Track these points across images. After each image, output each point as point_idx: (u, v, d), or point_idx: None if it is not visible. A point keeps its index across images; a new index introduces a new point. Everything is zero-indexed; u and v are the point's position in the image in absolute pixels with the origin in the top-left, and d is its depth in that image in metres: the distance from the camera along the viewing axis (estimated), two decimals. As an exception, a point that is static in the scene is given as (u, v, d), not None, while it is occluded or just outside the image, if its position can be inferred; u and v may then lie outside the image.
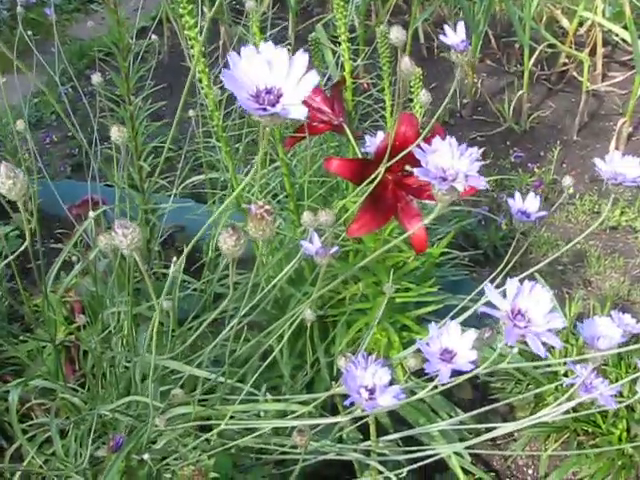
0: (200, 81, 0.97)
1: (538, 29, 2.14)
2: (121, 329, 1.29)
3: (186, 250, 0.67)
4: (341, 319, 1.14)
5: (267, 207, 0.52)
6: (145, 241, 1.57)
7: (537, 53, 2.20)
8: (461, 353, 0.61)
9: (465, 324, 1.21)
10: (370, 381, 0.63)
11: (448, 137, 0.51)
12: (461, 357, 0.61)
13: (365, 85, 1.14)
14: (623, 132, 2.07)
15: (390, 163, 0.74)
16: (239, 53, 0.43)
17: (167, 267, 1.62)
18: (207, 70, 0.96)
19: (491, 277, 0.81)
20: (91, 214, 0.96)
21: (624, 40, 2.43)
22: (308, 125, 0.99)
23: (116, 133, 0.71)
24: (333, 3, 0.92)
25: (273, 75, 0.43)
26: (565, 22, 2.33)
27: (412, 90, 1.06)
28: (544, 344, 0.54)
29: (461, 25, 0.66)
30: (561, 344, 0.54)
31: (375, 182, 0.76)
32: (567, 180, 0.76)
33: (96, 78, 1.01)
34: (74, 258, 1.31)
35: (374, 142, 0.84)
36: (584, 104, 2.16)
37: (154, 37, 1.73)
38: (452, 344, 0.62)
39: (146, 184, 1.49)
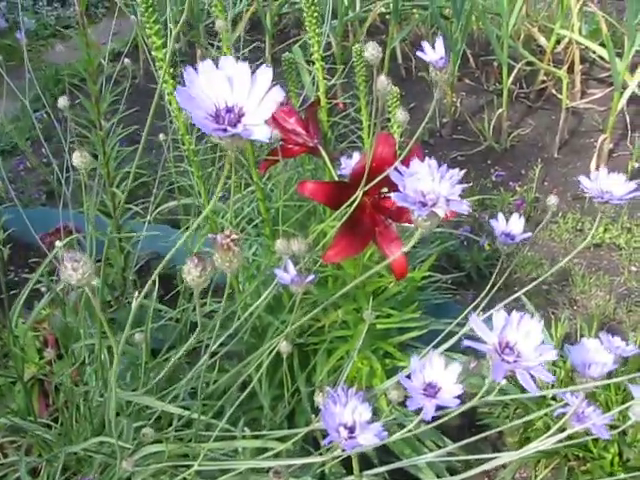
0: (170, 103, 0.94)
1: (516, 47, 2.13)
2: (94, 361, 1.25)
3: (154, 274, 0.63)
4: (322, 347, 1.10)
5: (234, 236, 0.49)
6: (120, 270, 1.52)
7: (516, 71, 2.19)
8: (446, 387, 0.57)
9: (451, 350, 1.17)
10: (350, 418, 0.59)
11: (427, 159, 0.47)
12: (446, 392, 0.57)
13: (341, 105, 1.11)
14: (604, 148, 2.06)
15: (367, 186, 0.71)
16: (196, 69, 0.40)
17: (145, 296, 1.57)
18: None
19: (475, 302, 0.77)
20: (58, 243, 0.92)
21: (601, 57, 2.43)
22: (282, 148, 0.96)
23: (78, 159, 0.67)
24: (305, 21, 0.89)
25: (234, 92, 0.39)
26: (542, 40, 2.32)
27: (390, 110, 1.03)
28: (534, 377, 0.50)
29: (440, 41, 0.63)
30: (553, 378, 0.50)
31: (352, 206, 0.73)
32: (552, 199, 0.73)
33: (62, 102, 0.97)
34: (44, 288, 1.26)
35: (349, 164, 0.81)
36: (564, 121, 2.15)
37: (127, 61, 1.70)
38: (436, 377, 0.58)
39: (118, 211, 1.45)
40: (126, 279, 1.49)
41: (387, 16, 2.66)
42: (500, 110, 2.16)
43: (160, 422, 1.11)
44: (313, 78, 2.12)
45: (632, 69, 2.02)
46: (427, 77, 2.31)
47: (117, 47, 2.82)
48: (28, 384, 1.36)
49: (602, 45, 2.31)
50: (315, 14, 0.87)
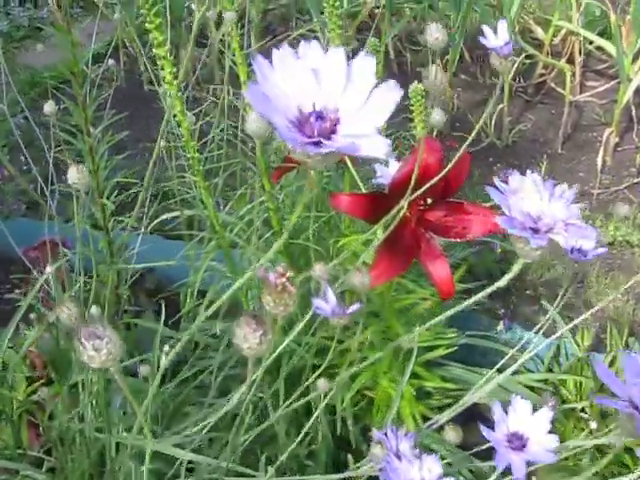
0: (172, 107, 0.84)
1: (516, 40, 2.04)
2: (90, 391, 1.14)
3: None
4: (343, 370, 1.01)
5: (290, 273, 0.39)
6: (112, 286, 1.42)
7: (516, 65, 2.11)
8: (535, 438, 0.48)
9: (482, 365, 1.07)
10: (418, 475, 0.50)
11: (530, 173, 0.38)
12: (536, 443, 0.48)
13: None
14: (610, 143, 1.98)
15: (412, 197, 0.62)
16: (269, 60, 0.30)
17: (138, 314, 1.47)
18: (180, 94, 0.82)
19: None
20: (48, 269, 0.82)
21: (598, 48, 2.36)
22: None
23: (75, 175, 0.57)
24: (326, 12, 0.79)
25: (324, 90, 0.30)
26: (540, 32, 2.24)
27: (413, 108, 0.94)
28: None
29: (503, 25, 0.54)
30: None
31: (393, 220, 0.64)
32: (622, 209, 0.64)
33: (49, 107, 0.86)
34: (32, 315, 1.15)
35: (387, 172, 0.72)
36: (567, 115, 2.07)
37: (111, 62, 1.59)
38: (522, 426, 0.49)
39: (110, 223, 1.34)
40: (120, 297, 1.38)
41: (376, 10, 2.57)
42: (501, 106, 2.08)
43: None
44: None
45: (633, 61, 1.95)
46: (424, 72, 2.22)
47: (96, 49, 2.69)
48: (16, 413, 1.25)
49: (599, 36, 2.24)
50: (335, 3, 0.77)
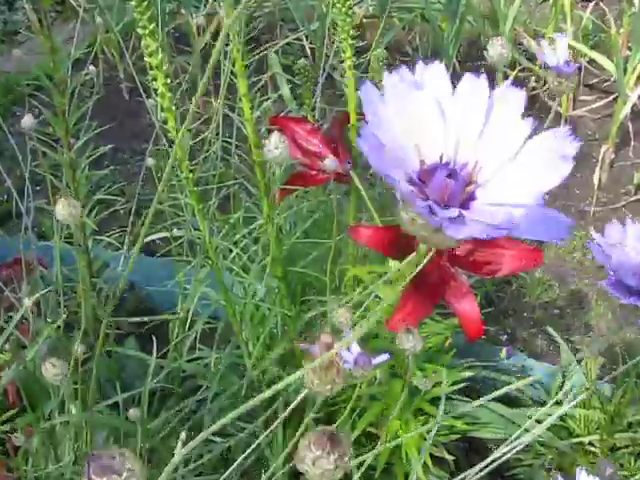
0: (165, 122, 0.76)
1: (511, 52, 1.99)
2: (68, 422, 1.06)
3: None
4: (348, 406, 0.93)
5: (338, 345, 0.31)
6: (91, 309, 1.32)
7: (511, 78, 2.05)
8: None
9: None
10: None
11: (629, 219, 0.31)
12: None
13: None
14: (606, 159, 1.93)
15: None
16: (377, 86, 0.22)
17: (119, 338, 1.37)
18: (173, 108, 0.74)
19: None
20: (26, 301, 0.73)
21: (590, 62, 2.32)
22: (304, 174, 0.78)
23: (65, 211, 0.49)
24: (337, 19, 0.72)
25: (452, 133, 0.22)
26: (533, 44, 2.19)
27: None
28: None
29: (564, 40, 0.47)
30: None
31: (413, 255, 0.56)
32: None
33: (28, 121, 0.78)
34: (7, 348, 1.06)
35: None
36: (562, 131, 2.02)
37: (92, 69, 1.51)
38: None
39: (90, 242, 1.25)
40: (100, 320, 1.29)
41: (364, 20, 2.50)
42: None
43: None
44: (292, 89, 1.94)
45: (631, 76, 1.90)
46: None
47: (73, 55, 2.59)
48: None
49: (592, 49, 2.20)
50: (349, 11, 0.70)
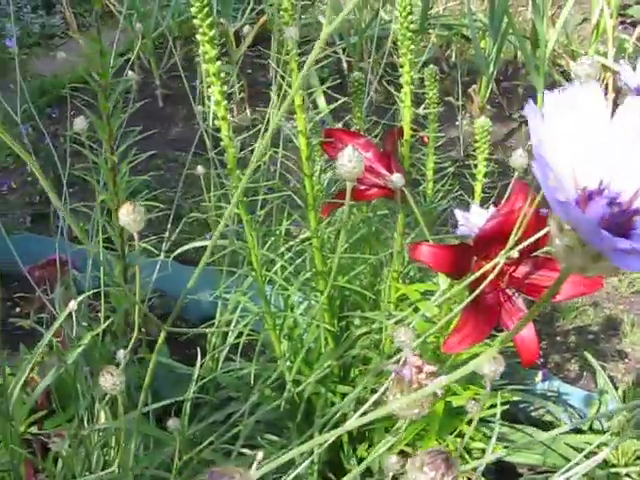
0: (217, 130, 0.75)
1: (550, 74, 1.97)
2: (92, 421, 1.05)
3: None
4: (382, 425, 0.92)
5: (429, 367, 0.30)
6: (124, 314, 1.32)
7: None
8: None
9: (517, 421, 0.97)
10: None
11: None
12: None
13: (426, 139, 0.93)
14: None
15: (506, 253, 0.53)
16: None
17: (150, 346, 1.37)
18: (228, 117, 0.74)
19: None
20: (72, 304, 0.72)
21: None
22: (353, 189, 0.77)
23: (127, 216, 0.48)
24: (398, 34, 0.71)
25: (607, 156, 0.21)
26: (572, 66, 2.17)
27: (478, 145, 0.85)
28: None
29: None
30: None
31: (473, 277, 0.55)
32: None
33: (80, 123, 0.77)
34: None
35: (469, 220, 0.63)
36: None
37: (131, 74, 1.51)
38: None
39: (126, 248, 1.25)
40: (131, 325, 1.29)
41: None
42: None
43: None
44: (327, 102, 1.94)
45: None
46: (453, 101, 2.15)
47: (116, 59, 2.61)
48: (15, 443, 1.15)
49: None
50: (410, 26, 0.69)
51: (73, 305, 0.73)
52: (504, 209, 0.59)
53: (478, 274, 0.55)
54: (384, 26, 2.29)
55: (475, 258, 0.61)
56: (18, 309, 1.68)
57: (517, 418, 1.20)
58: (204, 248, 1.23)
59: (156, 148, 2.02)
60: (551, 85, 2.05)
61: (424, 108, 0.82)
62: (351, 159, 0.43)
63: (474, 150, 0.92)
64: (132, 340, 0.65)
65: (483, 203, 0.98)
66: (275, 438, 1.07)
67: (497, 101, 2.39)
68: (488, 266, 0.55)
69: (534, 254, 0.61)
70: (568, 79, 2.19)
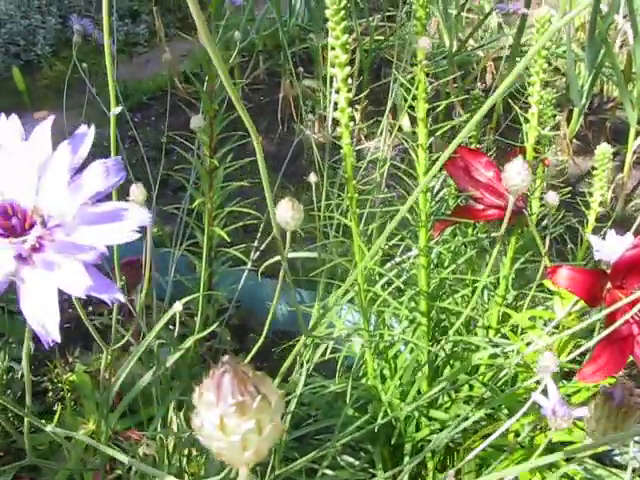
0: (338, 138, 0.74)
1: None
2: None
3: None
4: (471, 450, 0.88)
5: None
6: (202, 320, 1.31)
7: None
8: None
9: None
10: None
11: None
12: None
13: (548, 162, 0.90)
14: None
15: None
16: None
17: (224, 351, 1.36)
18: (350, 124, 0.72)
19: None
20: (177, 305, 0.71)
21: None
22: (471, 208, 0.75)
23: (286, 212, 0.46)
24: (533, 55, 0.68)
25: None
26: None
27: (596, 172, 0.82)
28: None
29: None
30: None
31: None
32: None
33: (197, 121, 0.77)
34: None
35: (606, 247, 0.60)
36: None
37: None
38: None
39: (213, 254, 1.24)
40: (207, 327, 1.28)
41: (491, 62, 2.46)
42: (620, 175, 1.94)
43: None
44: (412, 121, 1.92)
45: None
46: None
47: (188, 68, 2.65)
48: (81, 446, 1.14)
49: None
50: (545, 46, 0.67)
51: (178, 305, 0.72)
52: None
53: (619, 305, 0.52)
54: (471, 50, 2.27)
55: (609, 286, 0.58)
56: (90, 308, 1.69)
57: (602, 460, 1.15)
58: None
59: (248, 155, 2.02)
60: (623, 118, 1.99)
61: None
62: (520, 172, 0.41)
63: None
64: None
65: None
66: (352, 460, 1.04)
67: (583, 134, 2.33)
68: (629, 299, 0.52)
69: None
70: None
